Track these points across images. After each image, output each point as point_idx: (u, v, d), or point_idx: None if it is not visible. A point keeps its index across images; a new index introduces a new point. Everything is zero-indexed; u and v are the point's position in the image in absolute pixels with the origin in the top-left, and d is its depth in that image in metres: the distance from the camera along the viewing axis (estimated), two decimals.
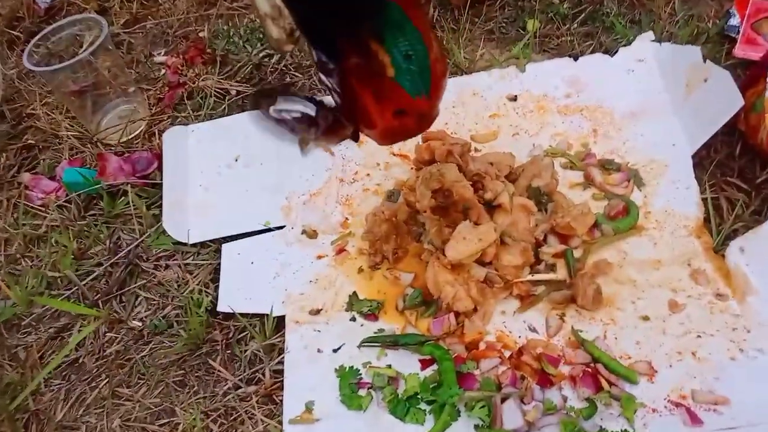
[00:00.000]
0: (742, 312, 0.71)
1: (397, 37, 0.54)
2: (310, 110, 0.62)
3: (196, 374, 0.78)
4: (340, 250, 0.84)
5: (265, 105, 0.64)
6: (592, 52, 0.99)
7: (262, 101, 0.64)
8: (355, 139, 0.65)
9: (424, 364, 0.72)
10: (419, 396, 0.68)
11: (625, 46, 0.97)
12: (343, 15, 0.53)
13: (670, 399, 0.66)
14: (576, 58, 0.96)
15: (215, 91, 1.07)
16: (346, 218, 0.87)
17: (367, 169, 0.91)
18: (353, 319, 0.77)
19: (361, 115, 0.60)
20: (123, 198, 0.95)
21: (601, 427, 0.64)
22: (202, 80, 1.09)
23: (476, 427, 0.66)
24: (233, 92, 1.07)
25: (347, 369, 0.72)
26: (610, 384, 0.67)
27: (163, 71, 1.15)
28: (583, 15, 1.06)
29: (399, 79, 0.55)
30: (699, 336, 0.70)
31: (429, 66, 0.55)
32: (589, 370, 0.68)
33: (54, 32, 1.03)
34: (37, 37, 1.00)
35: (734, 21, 0.97)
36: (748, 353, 0.68)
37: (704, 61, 0.85)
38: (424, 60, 0.55)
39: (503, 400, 0.66)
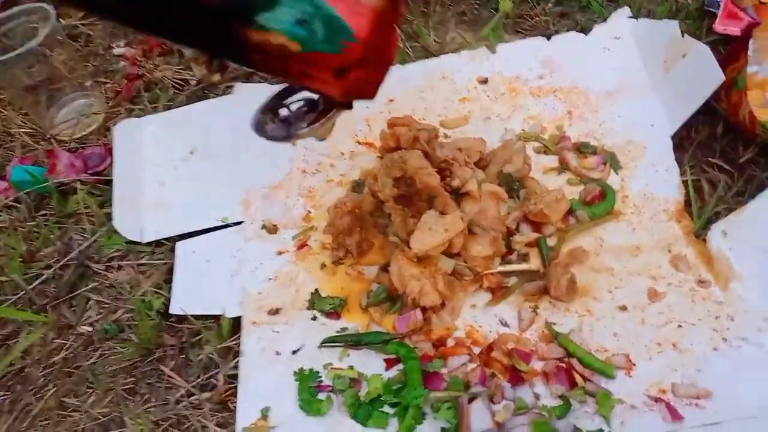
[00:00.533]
0: (726, 299, 0.67)
1: (273, 11, 0.48)
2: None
3: (147, 381, 0.73)
4: (302, 245, 0.79)
5: (270, 117, 0.59)
6: (568, 31, 0.94)
7: (267, 115, 0.60)
8: (349, 107, 0.59)
9: (389, 363, 0.67)
10: (382, 398, 0.64)
11: (601, 23, 0.92)
12: (211, 25, 0.48)
13: (649, 394, 0.62)
14: (549, 37, 0.92)
15: (173, 81, 1.02)
16: (309, 211, 0.82)
17: (331, 159, 0.86)
18: (314, 318, 0.73)
19: (315, 91, 0.56)
20: (75, 196, 0.90)
21: (575, 426, 0.59)
22: (160, 71, 1.04)
23: (443, 429, 0.61)
24: (192, 83, 1.01)
25: (306, 372, 0.67)
26: (585, 379, 0.62)
27: (122, 63, 1.10)
28: None
29: (309, 48, 0.49)
30: (680, 326, 0.66)
31: (333, 12, 0.49)
32: (563, 365, 0.64)
33: (3, 22, 0.97)
34: None
35: None
36: (732, 342, 0.64)
37: (683, 36, 0.80)
38: (321, 11, 0.48)
39: (471, 400, 0.61)
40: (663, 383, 0.62)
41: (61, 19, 1.18)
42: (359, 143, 0.87)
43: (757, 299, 0.66)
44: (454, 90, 0.90)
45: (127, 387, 0.73)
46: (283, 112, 0.60)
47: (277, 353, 0.70)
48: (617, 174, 0.79)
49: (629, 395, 0.62)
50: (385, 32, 0.53)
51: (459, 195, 0.74)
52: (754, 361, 0.62)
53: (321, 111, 0.58)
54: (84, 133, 0.99)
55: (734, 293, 0.67)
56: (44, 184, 0.90)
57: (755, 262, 0.68)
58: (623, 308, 0.68)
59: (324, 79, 0.52)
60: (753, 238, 0.68)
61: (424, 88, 0.90)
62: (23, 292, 0.82)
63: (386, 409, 0.64)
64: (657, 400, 0.61)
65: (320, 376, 0.67)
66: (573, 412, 0.61)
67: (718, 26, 0.89)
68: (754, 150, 0.78)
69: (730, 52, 0.79)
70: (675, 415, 0.59)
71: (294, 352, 0.70)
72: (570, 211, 0.75)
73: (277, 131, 0.60)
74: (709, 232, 0.71)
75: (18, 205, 0.91)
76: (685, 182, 0.77)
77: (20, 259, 0.85)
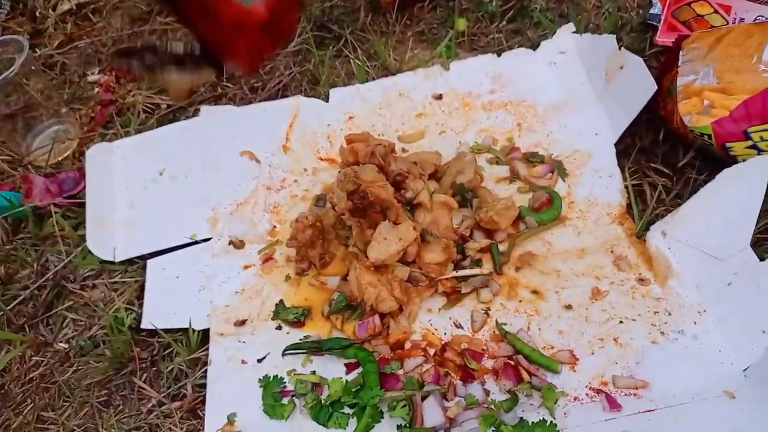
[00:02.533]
0: (664, 295, 0.71)
1: None
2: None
3: (121, 393, 0.76)
4: (267, 259, 0.83)
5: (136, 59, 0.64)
6: (521, 47, 0.99)
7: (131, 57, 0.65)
8: (220, 70, 0.64)
9: (349, 367, 0.71)
10: (342, 400, 0.67)
11: (548, 39, 0.97)
12: None
13: (592, 386, 0.66)
14: (499, 54, 0.97)
15: (144, 106, 1.06)
16: (274, 226, 0.86)
17: (294, 175, 0.90)
18: (279, 327, 0.76)
19: (212, 45, 0.59)
20: (50, 219, 0.93)
21: (521, 418, 0.63)
22: (132, 96, 1.08)
23: (398, 427, 0.65)
24: (163, 106, 1.05)
25: (271, 378, 0.71)
26: (531, 375, 0.66)
27: (96, 90, 1.14)
28: (511, 12, 1.06)
29: None
30: (621, 321, 0.70)
31: None
32: (511, 362, 0.68)
33: None
34: None
35: (656, 10, 0.98)
36: (669, 336, 0.68)
37: (619, 49, 0.85)
38: None
39: (424, 398, 0.65)
40: (604, 376, 0.66)
41: (37, 49, 1.22)
42: (321, 159, 0.91)
43: (693, 294, 0.70)
44: (410, 106, 0.94)
45: (101, 399, 0.76)
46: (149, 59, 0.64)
47: (243, 362, 0.73)
48: (564, 181, 0.83)
49: (573, 388, 0.66)
50: (288, 9, 0.57)
51: (413, 206, 0.78)
52: (688, 352, 0.67)
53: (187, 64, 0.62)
54: (59, 158, 1.03)
55: (672, 290, 0.71)
56: (20, 209, 0.93)
57: (691, 260, 0.72)
58: (569, 307, 0.72)
59: (223, 30, 0.56)
60: (689, 236, 0.73)
61: (382, 105, 0.95)
62: (1, 313, 0.85)
63: (346, 410, 0.67)
64: (598, 391, 0.65)
65: (284, 382, 0.71)
66: (520, 405, 0.65)
67: (659, 39, 0.94)
68: (692, 154, 0.82)
69: (665, 63, 0.84)
70: (614, 405, 0.63)
71: (259, 361, 0.73)
72: (519, 218, 0.80)
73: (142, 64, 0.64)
74: (649, 232, 0.76)
75: None
76: (627, 187, 0.81)
77: None
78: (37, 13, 1.33)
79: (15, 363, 0.81)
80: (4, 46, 1.02)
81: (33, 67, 1.00)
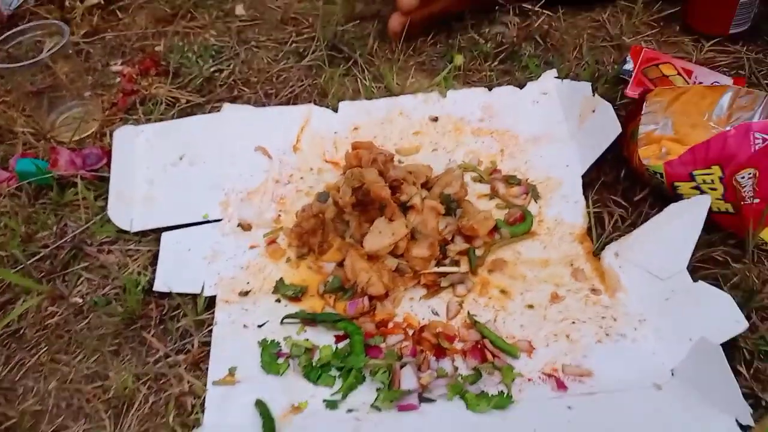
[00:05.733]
0: (611, 304, 0.83)
1: None
2: None
3: (130, 345, 0.85)
4: (271, 242, 0.93)
5: None
6: (507, 85, 1.12)
7: None
8: None
9: (338, 339, 0.81)
10: (331, 363, 0.78)
11: (533, 81, 1.11)
12: None
13: (544, 371, 0.77)
14: (490, 89, 1.10)
15: (166, 98, 1.16)
16: (279, 215, 0.97)
17: (301, 172, 1.01)
18: (278, 300, 0.86)
19: None
20: (72, 189, 1.02)
21: (482, 390, 0.74)
22: (155, 88, 1.19)
23: (378, 389, 0.75)
24: (183, 100, 1.16)
25: (269, 341, 0.81)
26: (495, 357, 0.77)
27: (118, 79, 1.24)
28: (503, 54, 1.20)
29: None
30: (573, 322, 0.82)
31: None
32: (478, 345, 0.79)
33: (15, 36, 1.10)
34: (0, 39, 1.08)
35: (629, 66, 1.12)
36: (613, 337, 0.80)
37: (593, 95, 0.99)
38: None
39: (402, 367, 0.76)
40: (555, 363, 0.77)
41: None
42: (326, 161, 1.03)
43: (636, 305, 0.82)
44: (409, 125, 1.06)
45: (112, 349, 0.84)
46: None
47: (245, 326, 0.83)
48: (536, 202, 0.95)
49: (528, 371, 0.77)
50: None
51: (406, 208, 0.90)
52: (627, 352, 0.78)
53: None
54: (82, 136, 1.12)
55: (619, 301, 0.84)
56: (46, 176, 1.02)
57: (637, 277, 0.84)
58: (530, 306, 0.84)
59: None
60: (637, 258, 0.85)
61: (384, 121, 1.07)
62: (21, 266, 0.94)
63: (333, 372, 0.77)
64: (549, 375, 0.76)
65: (280, 345, 0.80)
66: (483, 380, 0.75)
67: (629, 92, 1.09)
68: (647, 191, 0.95)
69: (631, 111, 0.98)
70: (561, 386, 0.75)
71: (259, 326, 0.83)
72: (495, 229, 0.91)
73: None
74: (604, 252, 0.88)
75: (19, 193, 1.03)
76: (589, 212, 0.94)
77: (19, 239, 0.97)
78: (66, 3, 1.43)
79: (32, 311, 0.89)
80: (42, 29, 1.12)
81: (70, 51, 1.10)
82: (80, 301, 0.90)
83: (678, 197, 0.88)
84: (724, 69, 1.13)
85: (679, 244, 0.83)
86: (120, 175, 1.00)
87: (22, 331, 0.88)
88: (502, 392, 0.73)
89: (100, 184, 1.03)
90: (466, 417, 0.72)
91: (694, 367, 0.73)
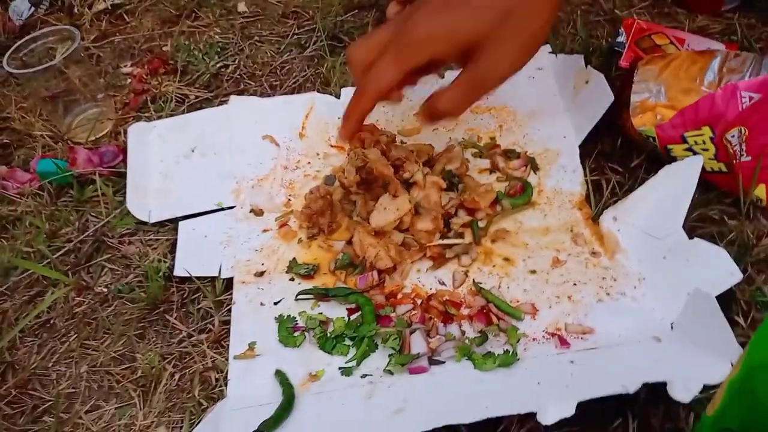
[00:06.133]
0: (611, 265, 0.87)
1: None
2: None
3: (154, 328, 0.89)
4: (283, 225, 0.97)
5: None
6: None
7: None
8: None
9: (350, 311, 0.85)
10: (344, 334, 0.82)
11: None
12: None
13: (548, 331, 0.80)
14: None
15: (176, 96, 1.21)
16: (289, 199, 1.01)
17: (308, 158, 1.05)
18: (292, 279, 0.91)
19: None
20: (91, 186, 1.07)
21: (489, 350, 0.78)
22: (164, 87, 1.23)
23: (390, 355, 0.79)
24: (192, 96, 1.21)
25: (285, 317, 0.85)
26: (500, 319, 0.81)
27: (129, 80, 1.29)
28: None
29: None
30: (575, 284, 0.85)
31: None
32: (484, 310, 0.83)
33: (27, 44, 1.14)
34: (14, 47, 1.12)
35: (622, 38, 1.14)
36: (613, 296, 0.83)
37: (586, 67, 1.02)
38: None
39: (411, 333, 0.80)
40: (558, 323, 0.81)
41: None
42: (332, 146, 1.07)
43: (635, 266, 0.86)
44: (410, 106, 1.09)
45: (137, 333, 0.89)
46: None
47: (262, 304, 0.88)
48: (535, 174, 0.99)
49: (532, 331, 0.81)
50: None
51: (409, 184, 0.93)
52: (628, 309, 0.81)
53: None
54: (97, 136, 1.17)
55: (618, 262, 0.87)
56: (66, 174, 1.07)
57: (635, 238, 0.87)
58: (533, 272, 0.87)
59: None
60: (634, 220, 0.88)
61: (385, 104, 1.10)
62: (48, 261, 0.99)
63: (347, 341, 0.82)
64: (553, 334, 0.80)
65: (296, 320, 0.85)
66: (489, 341, 0.79)
67: (623, 62, 1.11)
68: (642, 157, 0.98)
69: (624, 80, 1.01)
70: (564, 343, 0.78)
71: (275, 303, 0.87)
72: (497, 201, 0.95)
73: None
74: (602, 216, 0.91)
75: (41, 192, 1.08)
76: (587, 180, 0.97)
77: (44, 236, 1.02)
78: (75, 10, 1.48)
79: (60, 302, 0.94)
80: (53, 35, 1.17)
81: (82, 54, 1.14)
82: (105, 290, 0.94)
83: (672, 160, 0.91)
84: (717, 36, 1.15)
85: (674, 204, 0.86)
86: (136, 169, 1.05)
87: (52, 321, 0.93)
88: (507, 351, 0.77)
89: (118, 179, 1.07)
90: (474, 375, 0.75)
91: (690, 317, 0.76)
